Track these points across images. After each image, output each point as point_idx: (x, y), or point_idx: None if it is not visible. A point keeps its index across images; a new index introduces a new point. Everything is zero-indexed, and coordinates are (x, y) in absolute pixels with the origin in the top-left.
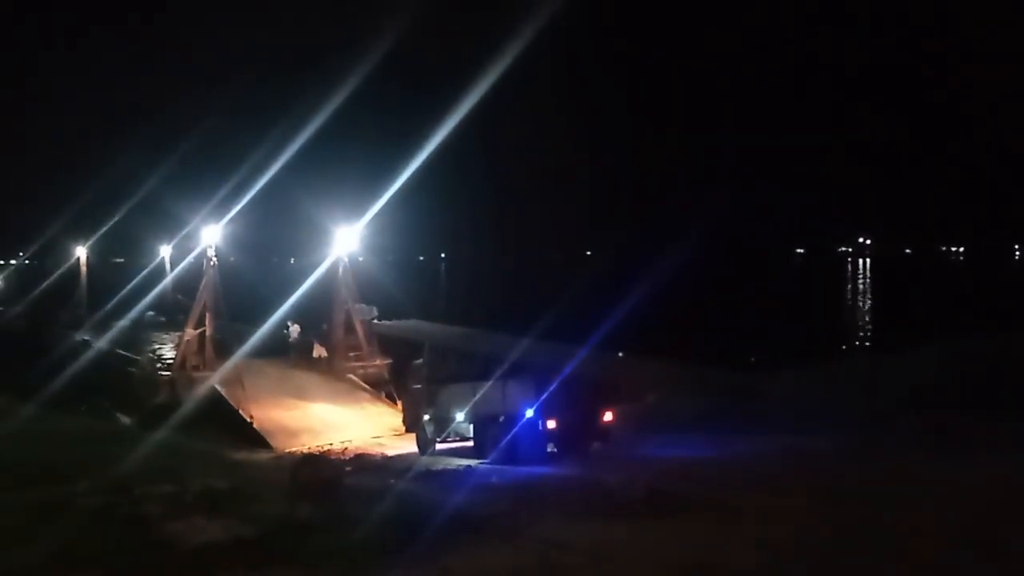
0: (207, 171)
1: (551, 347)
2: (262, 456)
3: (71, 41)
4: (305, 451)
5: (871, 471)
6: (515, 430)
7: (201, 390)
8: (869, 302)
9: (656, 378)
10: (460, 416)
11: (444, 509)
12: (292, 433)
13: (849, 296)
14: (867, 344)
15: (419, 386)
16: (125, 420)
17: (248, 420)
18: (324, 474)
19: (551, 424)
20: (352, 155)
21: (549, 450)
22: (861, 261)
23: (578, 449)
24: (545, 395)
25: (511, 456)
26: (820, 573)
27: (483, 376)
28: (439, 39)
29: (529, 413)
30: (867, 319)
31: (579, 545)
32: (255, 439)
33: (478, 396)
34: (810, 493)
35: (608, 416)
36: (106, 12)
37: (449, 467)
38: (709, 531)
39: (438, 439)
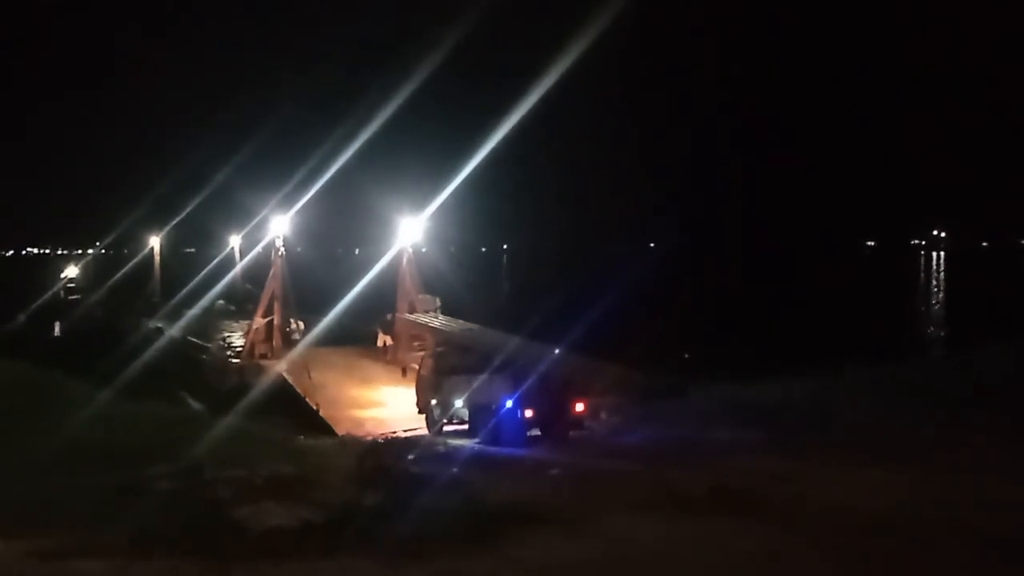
0: (276, 164)
1: (535, 346)
2: (327, 442)
3: (149, 39)
4: (370, 439)
5: None
6: (498, 417)
7: (269, 377)
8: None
9: (613, 377)
10: (459, 403)
11: (509, 499)
12: (357, 420)
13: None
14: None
15: (429, 374)
16: (196, 405)
17: (315, 408)
18: (389, 462)
19: (529, 413)
20: (417, 148)
21: (530, 435)
22: (934, 254)
23: (557, 435)
24: (523, 388)
25: (495, 439)
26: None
27: (478, 369)
28: (504, 33)
29: (509, 403)
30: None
31: (643, 539)
32: (321, 425)
33: (473, 386)
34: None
35: (580, 407)
36: (181, 9)
37: (442, 447)
38: (776, 529)
39: (443, 421)
